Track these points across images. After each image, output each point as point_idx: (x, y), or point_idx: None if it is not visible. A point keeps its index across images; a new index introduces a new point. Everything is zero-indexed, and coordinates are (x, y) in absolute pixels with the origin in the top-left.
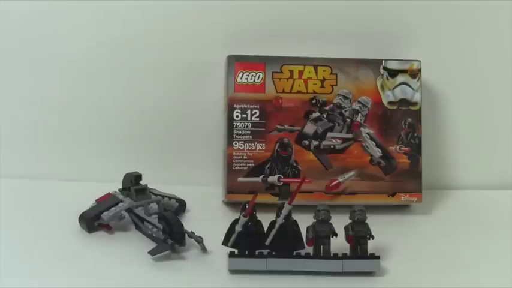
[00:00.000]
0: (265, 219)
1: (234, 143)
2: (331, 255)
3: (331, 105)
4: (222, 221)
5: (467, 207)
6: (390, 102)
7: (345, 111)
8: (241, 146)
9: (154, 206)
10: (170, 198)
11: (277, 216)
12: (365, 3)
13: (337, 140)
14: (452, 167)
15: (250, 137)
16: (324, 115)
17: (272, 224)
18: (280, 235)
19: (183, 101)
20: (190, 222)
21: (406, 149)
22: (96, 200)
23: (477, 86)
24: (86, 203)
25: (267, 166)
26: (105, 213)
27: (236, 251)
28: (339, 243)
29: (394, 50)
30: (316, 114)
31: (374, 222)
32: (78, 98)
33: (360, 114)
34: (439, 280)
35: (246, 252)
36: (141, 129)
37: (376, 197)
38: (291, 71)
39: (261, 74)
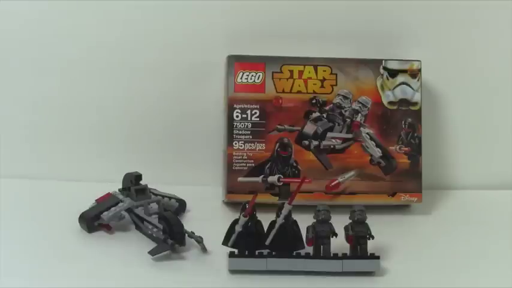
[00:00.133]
0: (265, 219)
1: (234, 143)
2: (331, 255)
3: (331, 105)
4: (222, 221)
5: (467, 207)
6: (390, 102)
7: (345, 111)
8: (241, 146)
9: (154, 206)
10: (170, 198)
11: (277, 216)
12: (365, 3)
13: (337, 140)
14: (452, 167)
15: (250, 137)
16: (324, 115)
17: (272, 224)
18: (280, 235)
19: (183, 101)
20: (190, 222)
21: (406, 149)
22: (96, 200)
23: (477, 86)
24: (86, 203)
25: (267, 166)
26: (105, 213)
27: (236, 251)
28: (339, 243)
29: (394, 50)
30: (316, 114)
31: (374, 222)
32: (78, 98)
33: (360, 114)
34: (439, 280)
35: (246, 252)
36: (141, 129)
37: (376, 197)
38: (291, 71)
39: (261, 74)
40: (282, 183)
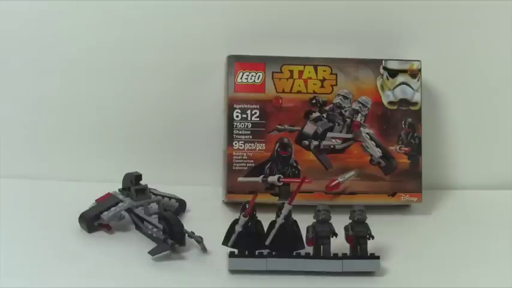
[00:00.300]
0: (265, 219)
1: (234, 143)
2: (331, 255)
3: (331, 105)
4: (222, 221)
5: (467, 207)
6: (390, 102)
7: (345, 111)
8: (241, 146)
9: (154, 206)
10: (170, 198)
11: (277, 216)
12: (365, 3)
13: (337, 140)
14: (452, 167)
15: (250, 137)
16: (324, 115)
17: (272, 224)
18: (280, 235)
19: (183, 101)
20: (190, 222)
21: (406, 149)
22: (96, 200)
23: (477, 86)
24: (86, 203)
25: (267, 166)
26: (105, 213)
27: (236, 251)
28: (339, 243)
29: (394, 50)
30: (316, 114)
31: (374, 222)
32: (78, 98)
33: (360, 114)
34: (439, 280)
35: (246, 252)
36: (141, 129)
37: (376, 197)
38: (291, 71)
39: (261, 74)
40: (282, 183)
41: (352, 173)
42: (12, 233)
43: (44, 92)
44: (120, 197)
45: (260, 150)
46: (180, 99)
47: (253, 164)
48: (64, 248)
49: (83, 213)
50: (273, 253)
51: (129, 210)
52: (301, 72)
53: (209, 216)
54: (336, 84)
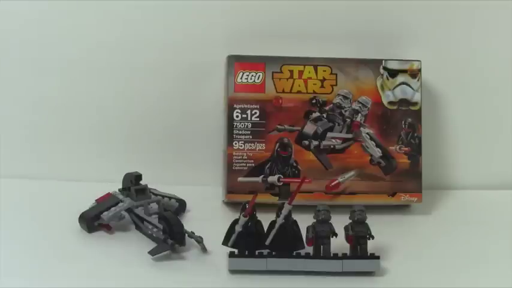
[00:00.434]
0: (265, 219)
1: (234, 143)
2: (331, 255)
3: (331, 105)
4: (222, 221)
5: (467, 207)
6: (390, 102)
7: (345, 111)
8: (241, 146)
9: (154, 206)
10: (170, 198)
11: (277, 216)
12: (365, 3)
13: (337, 140)
14: (452, 167)
15: (250, 137)
16: (324, 115)
17: (272, 224)
18: (280, 235)
19: (183, 101)
20: (190, 222)
21: (406, 149)
22: (96, 200)
23: (477, 86)
24: (86, 203)
25: (267, 166)
26: (105, 213)
27: (236, 251)
28: (339, 243)
29: (394, 50)
30: (316, 114)
31: (374, 222)
32: (78, 98)
33: (360, 114)
34: (439, 280)
35: (246, 252)
36: (141, 129)
37: (376, 197)
38: (291, 71)
39: (261, 74)
40: (282, 183)
41: (352, 173)
42: (12, 233)
43: (44, 92)
44: (120, 197)
45: (260, 150)
46: (180, 99)
47: (253, 164)
48: (64, 248)
49: (83, 213)
50: (273, 253)
51: (129, 210)
52: (301, 72)
53: (209, 216)
54: (336, 84)
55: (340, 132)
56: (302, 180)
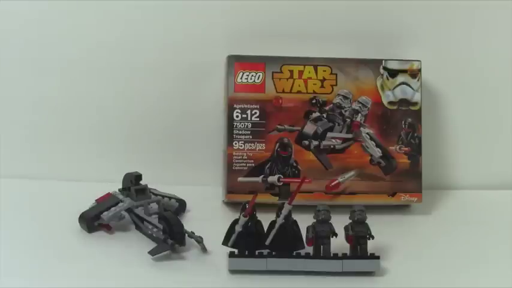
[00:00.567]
0: (265, 219)
1: (234, 143)
2: (331, 255)
3: (331, 105)
4: (222, 221)
5: (467, 207)
6: (390, 102)
7: (345, 111)
8: (241, 146)
9: (154, 206)
10: (170, 198)
11: (277, 216)
12: (365, 3)
13: (337, 140)
14: (452, 167)
15: (250, 137)
16: (324, 115)
17: (272, 224)
18: (280, 235)
19: (183, 101)
20: (190, 222)
21: (406, 149)
22: (96, 200)
23: (477, 86)
24: (86, 203)
25: (267, 166)
26: (105, 213)
27: (236, 251)
28: (339, 243)
29: (394, 50)
30: (316, 114)
31: (374, 222)
32: (78, 98)
33: (360, 114)
34: (439, 280)
35: (246, 252)
36: (141, 129)
37: (376, 197)
38: (291, 71)
39: (261, 74)
40: (282, 183)
41: (352, 173)
42: (12, 233)
43: (44, 92)
44: (120, 197)
45: (260, 150)
46: (180, 99)
47: (253, 164)
48: (64, 248)
49: (83, 213)
50: (273, 253)
51: (129, 210)
52: (301, 72)
53: (209, 216)
54: (336, 84)
55: (340, 132)
56: (302, 180)
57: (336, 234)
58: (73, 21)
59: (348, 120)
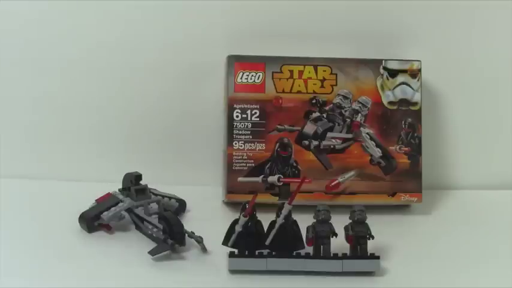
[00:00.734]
0: (265, 219)
1: (234, 143)
2: (331, 255)
3: (331, 105)
4: (222, 221)
5: (467, 207)
6: (390, 102)
7: (345, 111)
8: (241, 146)
9: (154, 206)
10: (170, 198)
11: (277, 216)
12: (365, 3)
13: (337, 140)
14: (452, 167)
15: (250, 137)
16: (324, 115)
17: (272, 224)
18: (280, 235)
19: (183, 101)
20: (190, 222)
21: (406, 149)
22: (96, 200)
23: (477, 86)
24: (86, 203)
25: (267, 166)
26: (105, 213)
27: (236, 251)
28: (339, 243)
29: (394, 50)
30: (316, 114)
31: (374, 222)
32: (78, 98)
33: (360, 114)
34: (439, 280)
35: (246, 252)
36: (141, 129)
37: (376, 197)
38: (291, 71)
39: (261, 74)
40: (282, 183)
41: (352, 173)
42: (12, 233)
43: (44, 92)
44: (120, 197)
45: (260, 150)
46: (180, 99)
47: (253, 164)
48: (64, 248)
49: (83, 213)
50: (273, 253)
51: (129, 210)
52: (301, 72)
53: (209, 216)
54: (336, 84)
55: (340, 132)
56: (302, 180)
57: (336, 234)
58: (73, 21)
59: (348, 120)
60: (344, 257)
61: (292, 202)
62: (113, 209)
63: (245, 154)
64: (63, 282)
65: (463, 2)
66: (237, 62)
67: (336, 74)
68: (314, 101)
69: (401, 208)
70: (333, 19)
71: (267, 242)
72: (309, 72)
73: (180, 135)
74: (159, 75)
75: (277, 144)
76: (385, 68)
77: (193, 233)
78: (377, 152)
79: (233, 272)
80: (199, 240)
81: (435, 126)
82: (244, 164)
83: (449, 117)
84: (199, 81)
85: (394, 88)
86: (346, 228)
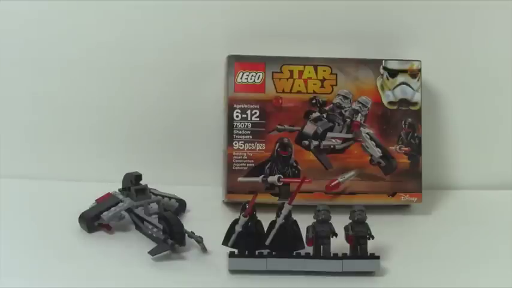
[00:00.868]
0: (265, 219)
1: (234, 143)
2: (331, 255)
3: (331, 105)
4: (222, 221)
5: (467, 207)
6: (390, 102)
7: (345, 111)
8: (241, 146)
9: (154, 206)
10: (170, 198)
11: (277, 216)
12: (365, 3)
13: (337, 140)
14: (452, 167)
15: (250, 137)
16: (324, 115)
17: (272, 224)
18: (280, 235)
19: (183, 101)
20: (190, 222)
21: (406, 149)
22: (96, 200)
23: (477, 86)
24: (86, 203)
25: (267, 166)
26: (105, 213)
27: (236, 251)
28: (339, 243)
29: (394, 50)
30: (316, 114)
31: (374, 222)
32: (78, 98)
33: (360, 114)
34: (439, 280)
35: (246, 252)
36: (141, 129)
37: (376, 197)
38: (291, 71)
39: (261, 74)
40: (282, 183)
41: (352, 173)
42: (12, 233)
43: (44, 92)
44: (120, 197)
45: (260, 150)
46: (180, 99)
47: (253, 164)
48: (64, 248)
49: (83, 213)
50: (273, 253)
51: (129, 210)
52: (301, 72)
53: (209, 216)
54: (336, 84)
55: (340, 132)
56: (302, 180)
57: (336, 234)
58: (73, 21)
59: (348, 120)
60: (344, 257)
61: (292, 202)
62: (112, 209)
63: (245, 154)
64: (63, 282)
65: (463, 2)
66: (237, 62)
67: (336, 74)
68: (314, 101)
69: (401, 208)
70: (333, 19)
71: (267, 242)
72: (309, 72)
73: (180, 135)
74: (159, 75)
75: (277, 144)
76: (385, 68)
77: (193, 233)
78: (377, 152)
79: (233, 272)
80: (199, 240)
81: (435, 126)
82: (244, 164)
83: (449, 117)
84: (199, 81)
85: (394, 88)
86: (346, 228)
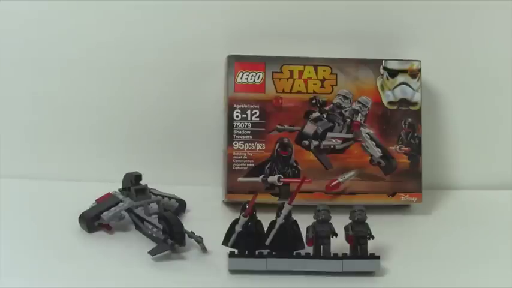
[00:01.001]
0: (265, 219)
1: (234, 143)
2: (331, 255)
3: (331, 105)
4: (222, 221)
5: (467, 207)
6: (390, 102)
7: (345, 111)
8: (241, 146)
9: (154, 206)
10: (170, 198)
11: (277, 216)
12: (365, 3)
13: (337, 140)
14: (452, 167)
15: (250, 137)
16: (324, 115)
17: (272, 224)
18: (280, 235)
19: (183, 101)
20: (190, 222)
21: (406, 149)
22: (96, 200)
23: (477, 86)
24: (86, 203)
25: (267, 166)
26: (105, 213)
27: (236, 251)
28: (339, 243)
29: (394, 50)
30: (316, 114)
31: (374, 222)
32: (78, 98)
33: (360, 114)
34: (439, 280)
35: (246, 252)
36: (141, 129)
37: (376, 197)
38: (291, 71)
39: (261, 74)
40: (282, 183)
41: (352, 173)
42: (12, 233)
43: (44, 92)
44: (120, 197)
45: (260, 150)
46: (180, 99)
47: (253, 164)
48: (64, 248)
49: (83, 213)
50: (273, 253)
51: (129, 210)
52: (301, 72)
53: (209, 216)
54: (336, 84)
55: (340, 132)
56: (302, 180)
57: (336, 234)
58: (73, 21)
59: (348, 120)
60: (344, 257)
61: (292, 202)
62: (112, 209)
63: (245, 154)
64: (63, 282)
65: (462, 2)
66: (237, 62)
67: (336, 74)
68: (314, 101)
69: (401, 208)
70: (333, 19)
71: (267, 242)
72: (309, 72)
73: (180, 135)
74: (159, 75)
75: (277, 144)
76: (385, 68)
77: (193, 233)
78: (377, 152)
79: (233, 272)
80: (199, 240)
81: (435, 126)
82: (244, 164)
83: (449, 117)
84: (199, 81)
85: (394, 88)
86: (346, 228)
